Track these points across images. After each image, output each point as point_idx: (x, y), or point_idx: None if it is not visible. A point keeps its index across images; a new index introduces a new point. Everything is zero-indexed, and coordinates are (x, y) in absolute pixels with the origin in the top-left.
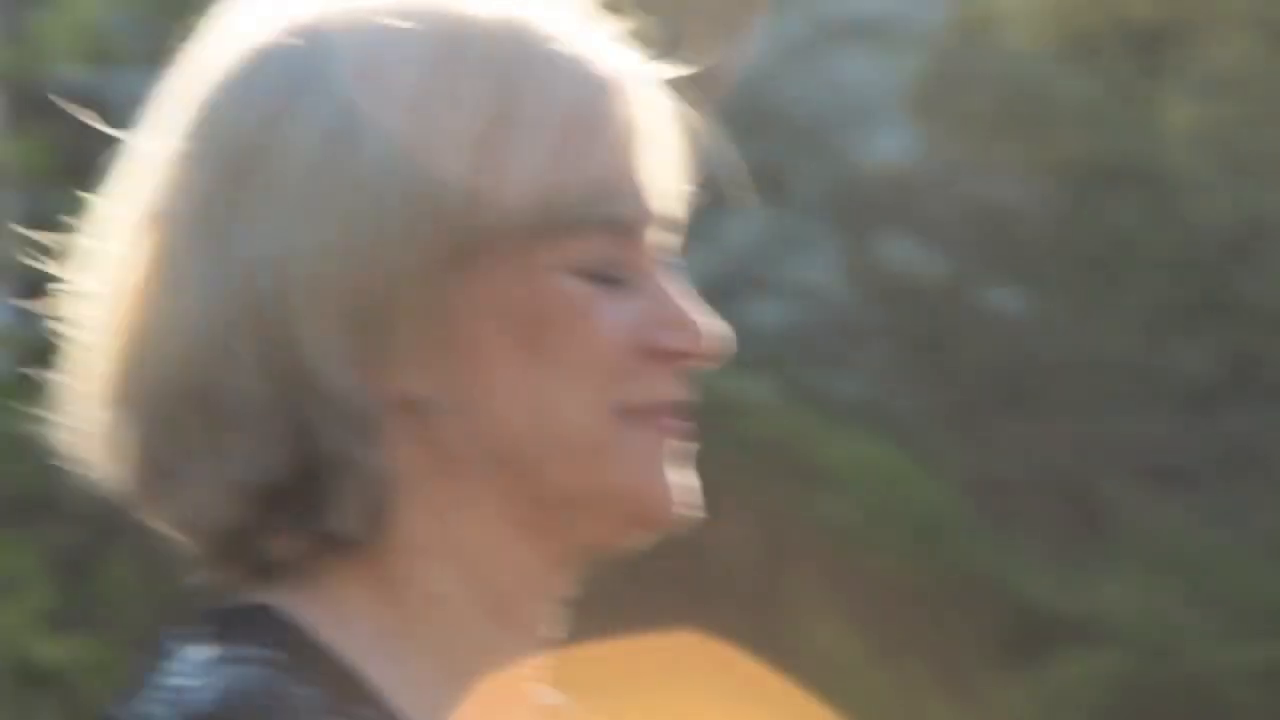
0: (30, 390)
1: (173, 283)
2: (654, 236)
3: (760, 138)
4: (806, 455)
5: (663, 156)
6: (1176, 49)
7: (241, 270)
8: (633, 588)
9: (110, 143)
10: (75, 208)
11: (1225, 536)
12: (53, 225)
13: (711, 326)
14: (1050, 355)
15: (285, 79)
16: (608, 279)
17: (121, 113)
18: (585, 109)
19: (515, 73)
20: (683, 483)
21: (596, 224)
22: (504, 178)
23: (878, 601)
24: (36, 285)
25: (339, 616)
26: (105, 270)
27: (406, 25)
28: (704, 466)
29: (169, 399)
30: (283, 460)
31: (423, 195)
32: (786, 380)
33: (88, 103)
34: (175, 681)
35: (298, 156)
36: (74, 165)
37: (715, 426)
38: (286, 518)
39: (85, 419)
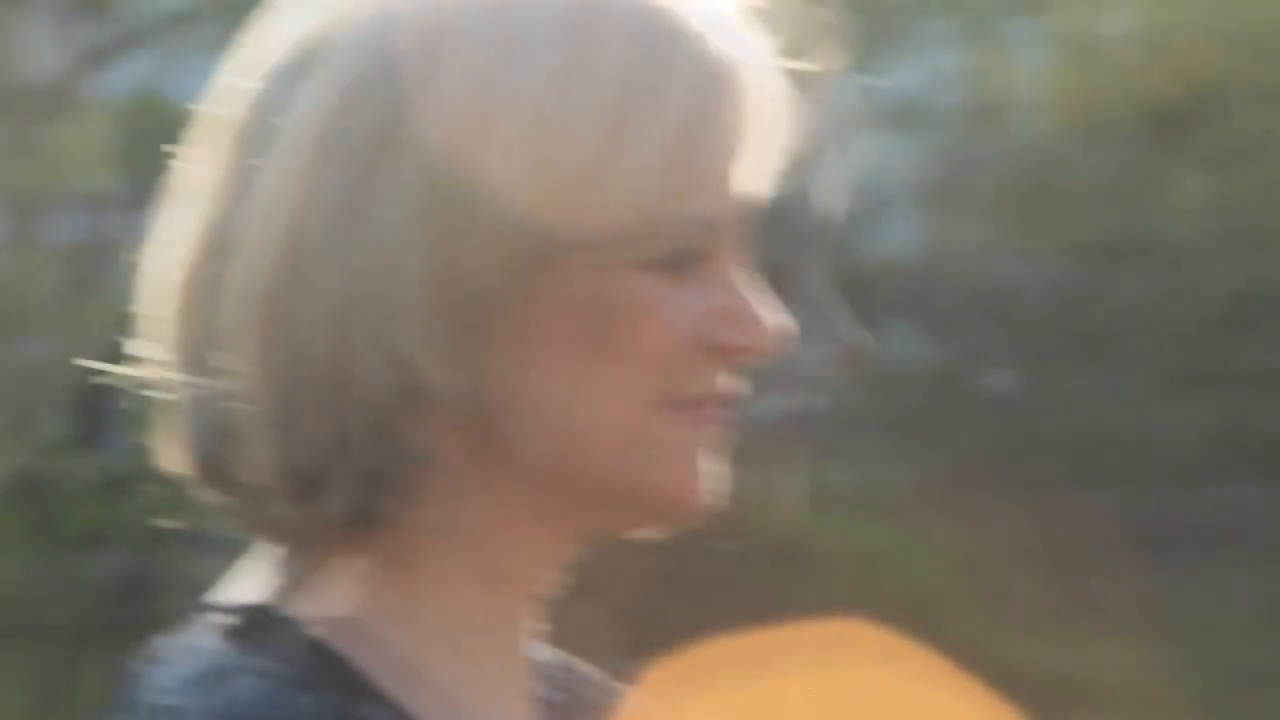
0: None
1: (307, 271)
2: (734, 228)
3: (767, 229)
4: (803, 543)
5: (761, 149)
6: (1191, 127)
7: (361, 256)
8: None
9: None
10: None
11: (1217, 605)
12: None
13: (773, 322)
14: (1046, 433)
15: (393, 64)
16: (679, 271)
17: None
18: (691, 106)
19: (635, 68)
20: (715, 474)
21: (683, 224)
22: (598, 177)
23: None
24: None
25: (342, 603)
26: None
27: (527, 13)
28: (701, 559)
29: (290, 378)
30: (352, 439)
31: (510, 196)
32: (784, 470)
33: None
34: (166, 700)
35: (401, 148)
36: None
37: (711, 520)
38: (328, 494)
39: (164, 387)
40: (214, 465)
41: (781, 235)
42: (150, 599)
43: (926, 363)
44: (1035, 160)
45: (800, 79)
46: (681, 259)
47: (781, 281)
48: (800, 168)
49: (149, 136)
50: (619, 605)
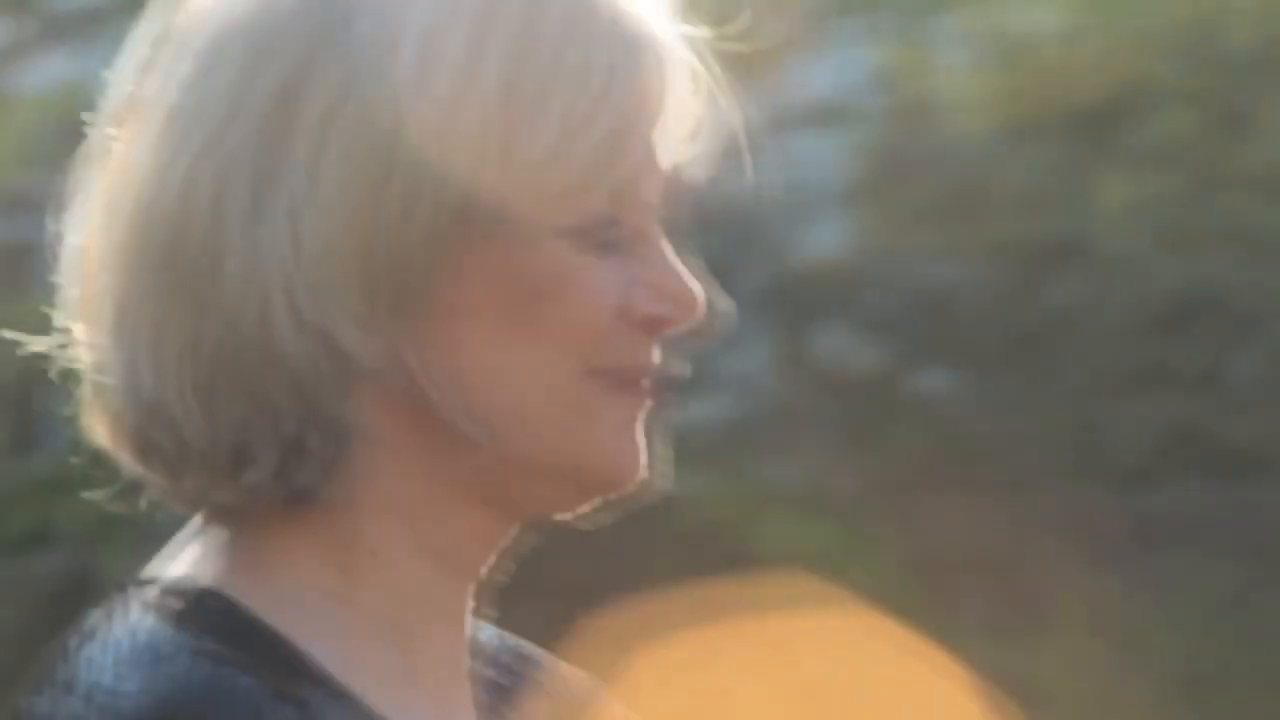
0: None
1: (226, 242)
2: (657, 199)
3: (699, 231)
4: (744, 541)
5: (681, 122)
6: (1116, 127)
7: (281, 226)
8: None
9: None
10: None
11: (1162, 605)
12: None
13: (700, 294)
14: (984, 434)
15: (309, 31)
16: (603, 242)
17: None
18: (612, 73)
19: (545, 31)
20: (649, 449)
21: (602, 190)
22: (520, 145)
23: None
24: None
25: (281, 581)
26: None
27: None
28: (644, 560)
29: (212, 349)
30: (277, 411)
31: (432, 164)
32: (724, 472)
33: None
34: (100, 680)
35: (317, 116)
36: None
37: (653, 521)
38: (255, 467)
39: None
40: (143, 441)
41: (715, 235)
42: (94, 600)
43: (863, 364)
44: (966, 160)
45: (727, 67)
46: (605, 231)
47: (717, 285)
48: (729, 165)
49: (69, 133)
50: (562, 605)
